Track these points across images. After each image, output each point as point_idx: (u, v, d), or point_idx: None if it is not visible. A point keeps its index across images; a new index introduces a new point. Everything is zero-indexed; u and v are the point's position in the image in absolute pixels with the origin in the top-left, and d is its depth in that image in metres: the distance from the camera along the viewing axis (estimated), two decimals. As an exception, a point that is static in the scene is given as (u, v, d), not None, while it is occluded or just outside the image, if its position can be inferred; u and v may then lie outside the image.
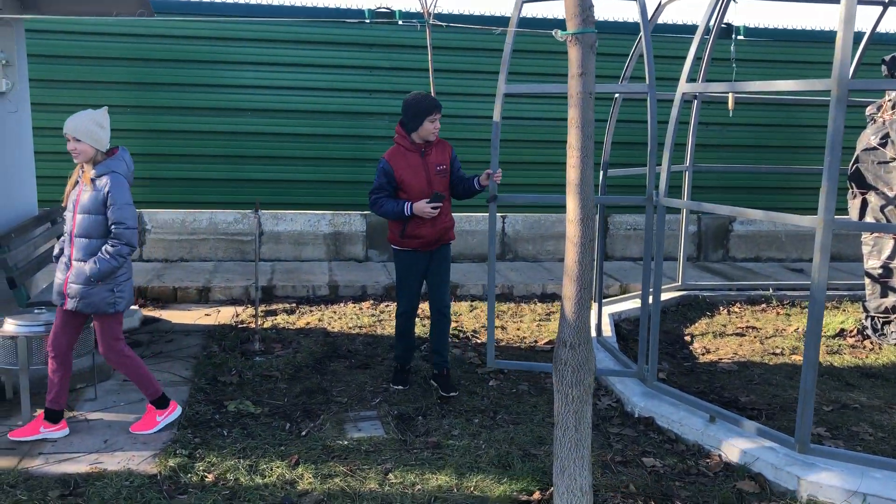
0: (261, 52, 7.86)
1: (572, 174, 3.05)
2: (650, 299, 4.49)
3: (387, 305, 6.57)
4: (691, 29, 8.41)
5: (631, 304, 6.42)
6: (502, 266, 7.99)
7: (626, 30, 8.22)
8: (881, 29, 7.31)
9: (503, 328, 6.00)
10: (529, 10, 8.24)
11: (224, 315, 6.20)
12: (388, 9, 7.98)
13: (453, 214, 4.68)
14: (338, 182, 8.11)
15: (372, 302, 6.70)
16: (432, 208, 4.36)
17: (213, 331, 5.70)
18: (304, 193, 8.10)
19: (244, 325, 5.87)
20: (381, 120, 8.10)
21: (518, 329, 5.98)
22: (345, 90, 8.02)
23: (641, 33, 4.60)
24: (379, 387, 4.62)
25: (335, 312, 6.33)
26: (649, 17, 5.38)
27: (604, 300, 6.09)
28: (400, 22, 7.91)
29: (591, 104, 3.01)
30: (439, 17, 6.69)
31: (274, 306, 6.46)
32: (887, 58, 5.78)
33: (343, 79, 8.00)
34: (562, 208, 8.24)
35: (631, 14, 8.63)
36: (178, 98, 7.82)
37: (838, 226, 3.51)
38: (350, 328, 5.88)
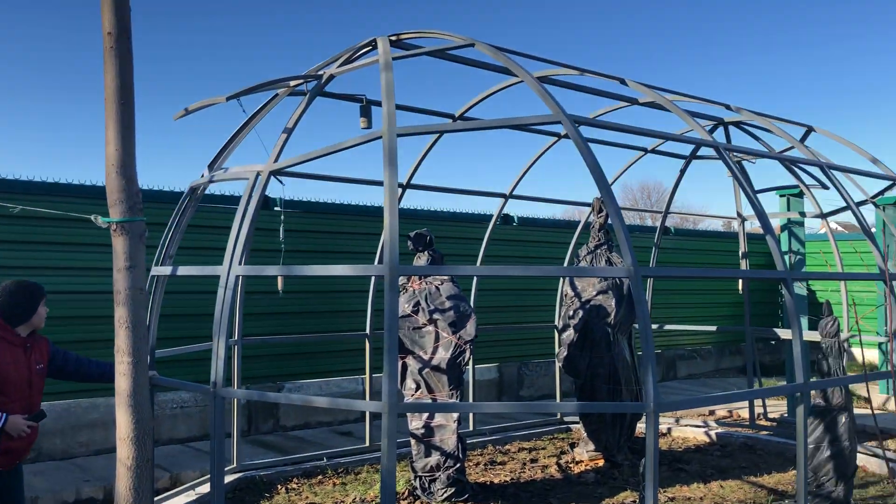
0: None
1: (123, 383, 2.58)
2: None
3: None
4: (229, 199, 8.43)
5: (184, 498, 5.77)
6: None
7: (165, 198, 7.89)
8: (403, 204, 8.21)
9: (26, 556, 4.85)
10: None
11: None
12: None
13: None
14: None
15: None
16: (28, 427, 3.66)
17: None
18: None
19: None
20: None
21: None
22: None
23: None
24: None
25: None
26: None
27: (155, 498, 5.35)
28: None
29: (144, 301, 2.61)
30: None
31: None
32: (412, 234, 6.43)
33: None
34: (94, 392, 7.38)
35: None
36: None
37: (400, 409, 3.57)
38: None
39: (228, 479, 6.24)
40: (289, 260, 7.93)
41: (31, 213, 6.37)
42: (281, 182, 4.93)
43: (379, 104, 5.38)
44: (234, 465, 6.53)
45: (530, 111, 4.06)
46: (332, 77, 4.95)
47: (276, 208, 8.73)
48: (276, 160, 4.67)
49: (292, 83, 4.88)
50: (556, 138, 7.78)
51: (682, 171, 9.06)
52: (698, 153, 8.84)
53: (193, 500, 5.72)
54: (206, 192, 7.11)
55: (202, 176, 5.22)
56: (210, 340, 4.22)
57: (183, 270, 4.62)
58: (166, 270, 4.80)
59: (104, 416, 7.36)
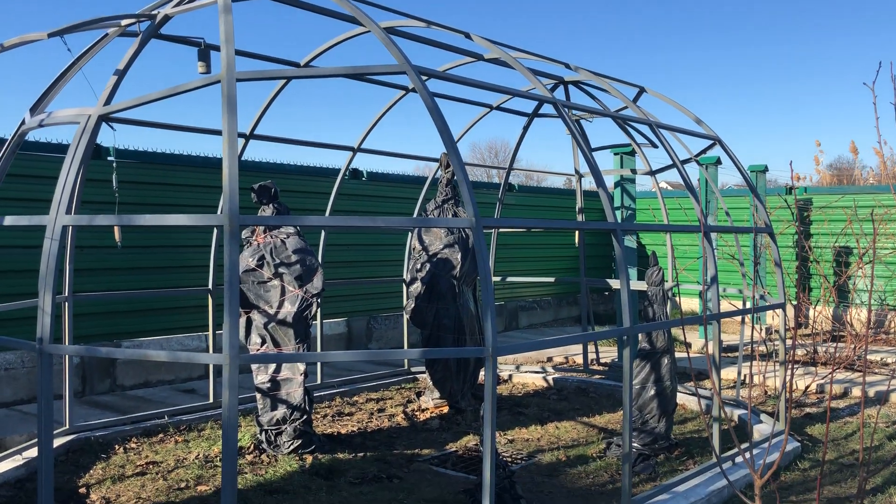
0: None
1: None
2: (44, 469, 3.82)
3: None
4: (61, 148, 7.87)
5: (11, 463, 5.44)
6: None
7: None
8: (248, 157, 7.93)
9: None
10: None
11: None
12: None
13: None
14: None
15: None
16: None
17: None
18: None
19: None
20: None
21: None
22: None
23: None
24: None
25: None
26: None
27: (-25, 466, 5.02)
28: None
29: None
30: None
31: None
32: (256, 186, 6.27)
33: None
34: None
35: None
36: None
37: (243, 360, 3.52)
38: None
39: (60, 441, 5.94)
40: (123, 212, 7.53)
41: None
42: (112, 128, 4.65)
43: (218, 49, 5.16)
44: (67, 426, 6.20)
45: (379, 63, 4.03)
46: (167, 18, 4.69)
47: (108, 158, 8.22)
48: (106, 103, 4.40)
49: (123, 22, 4.59)
50: (403, 92, 7.78)
51: (525, 129, 9.34)
52: (541, 111, 9.14)
53: (20, 465, 5.41)
54: (29, 138, 6.60)
55: (23, 120, 4.83)
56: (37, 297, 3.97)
57: (9, 221, 4.28)
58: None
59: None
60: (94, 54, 4.79)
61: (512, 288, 13.63)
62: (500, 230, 9.83)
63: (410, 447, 6.29)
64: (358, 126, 71.26)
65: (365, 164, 11.93)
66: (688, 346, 6.77)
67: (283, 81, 6.83)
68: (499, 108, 8.80)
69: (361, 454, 6.03)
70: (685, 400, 7.66)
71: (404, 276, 8.80)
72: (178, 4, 4.62)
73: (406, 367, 9.19)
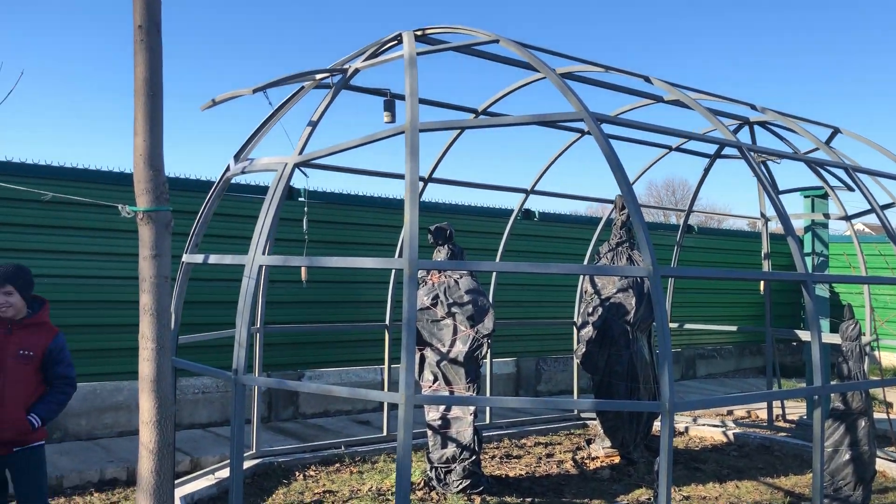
0: None
1: (146, 368, 2.64)
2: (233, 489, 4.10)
3: None
4: (262, 189, 8.51)
5: (205, 482, 5.88)
6: (49, 450, 6.78)
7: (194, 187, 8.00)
8: (425, 198, 8.25)
9: (50, 534, 4.98)
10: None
11: None
12: None
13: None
14: None
15: None
16: None
17: None
18: None
19: None
20: None
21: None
22: None
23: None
24: None
25: None
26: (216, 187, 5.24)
27: (175, 481, 5.46)
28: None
29: (168, 289, 2.68)
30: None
31: None
32: (432, 227, 6.47)
33: None
34: (119, 375, 7.52)
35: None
36: None
37: (418, 401, 3.62)
38: None
39: (247, 464, 6.35)
40: (311, 249, 8.02)
41: (59, 200, 6.51)
42: (305, 174, 4.99)
43: (402, 98, 5.42)
44: (254, 450, 6.63)
45: (554, 108, 4.09)
46: (357, 71, 5.00)
47: (299, 199, 8.81)
48: (300, 152, 4.74)
49: (318, 76, 4.94)
50: (579, 135, 7.77)
51: (706, 171, 9.02)
52: (723, 152, 8.79)
53: (212, 484, 5.83)
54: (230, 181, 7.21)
55: (228, 167, 5.30)
56: (233, 328, 4.30)
57: (213, 259, 4.70)
58: (198, 258, 4.89)
59: (128, 399, 7.51)
60: (291, 106, 5.19)
61: (690, 334, 13.06)
62: (677, 274, 9.49)
63: (580, 496, 6.15)
64: (530, 166, 71.82)
65: (538, 205, 11.96)
66: (888, 406, 6.18)
67: (459, 130, 7.04)
68: (678, 149, 8.56)
69: (529, 499, 5.97)
70: (886, 466, 6.96)
71: (575, 319, 8.68)
72: (368, 58, 4.91)
73: (575, 413, 9.02)
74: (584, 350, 7.38)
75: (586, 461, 7.24)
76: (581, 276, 8.36)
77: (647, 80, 5.88)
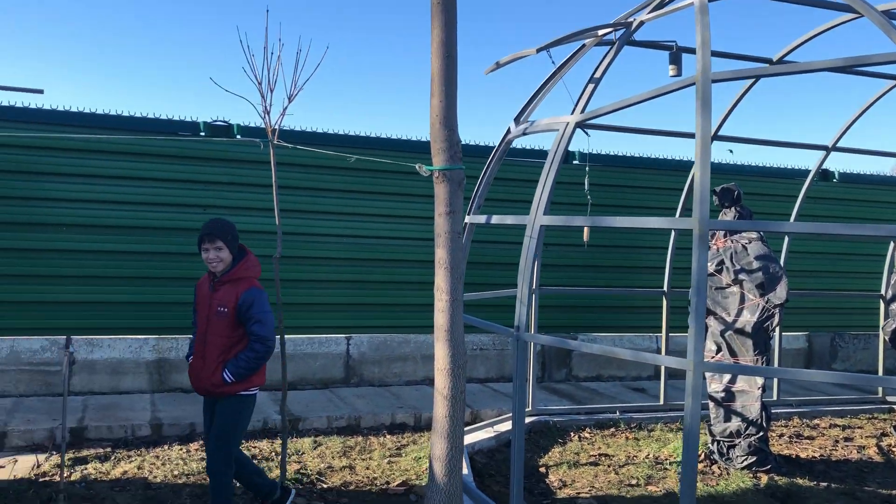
0: (79, 164, 7.14)
1: (441, 319, 2.76)
2: (515, 446, 4.21)
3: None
4: (537, 153, 8.60)
5: (484, 434, 6.14)
6: (348, 393, 7.51)
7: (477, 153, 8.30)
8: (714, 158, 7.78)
9: (351, 468, 5.49)
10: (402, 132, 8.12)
11: (22, 466, 5.26)
12: (224, 122, 7.57)
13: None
14: (164, 303, 7.37)
15: (200, 443, 5.97)
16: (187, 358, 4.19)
17: (6, 490, 4.78)
18: (124, 316, 7.29)
19: (46, 480, 4.98)
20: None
21: (368, 468, 5.50)
22: (175, 205, 7.42)
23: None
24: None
25: (158, 457, 5.56)
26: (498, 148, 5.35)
27: (457, 432, 5.77)
28: (238, 137, 7.51)
29: (461, 244, 2.76)
30: (284, 134, 6.34)
31: (85, 452, 5.59)
32: (718, 189, 6.09)
33: (173, 193, 7.41)
34: (406, 328, 8.08)
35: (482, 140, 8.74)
36: (-24, 210, 6.92)
37: (707, 368, 3.43)
38: (175, 476, 5.15)
39: (525, 421, 6.50)
40: (588, 213, 7.95)
41: (364, 165, 7.07)
42: (587, 133, 4.91)
43: (688, 51, 5.11)
44: (530, 408, 6.79)
45: (854, 53, 3.57)
46: (641, 24, 4.79)
47: (574, 162, 8.76)
48: (582, 111, 4.66)
49: (601, 32, 4.81)
50: (893, 83, 6.83)
51: None
52: None
53: (492, 437, 6.07)
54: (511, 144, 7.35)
55: (508, 129, 5.38)
56: (510, 288, 4.38)
57: (495, 220, 4.83)
58: (480, 218, 5.05)
59: (414, 352, 8.06)
60: (573, 65, 5.11)
61: None
62: None
63: (885, 486, 5.51)
64: (828, 123, 65.16)
65: (837, 164, 10.80)
66: None
67: (752, 81, 6.50)
68: None
69: (825, 483, 5.47)
70: None
71: (882, 292, 7.74)
72: (654, 9, 4.68)
73: (880, 396, 8.09)
74: (894, 326, 6.56)
75: (893, 449, 6.47)
76: (891, 244, 7.41)
77: None
